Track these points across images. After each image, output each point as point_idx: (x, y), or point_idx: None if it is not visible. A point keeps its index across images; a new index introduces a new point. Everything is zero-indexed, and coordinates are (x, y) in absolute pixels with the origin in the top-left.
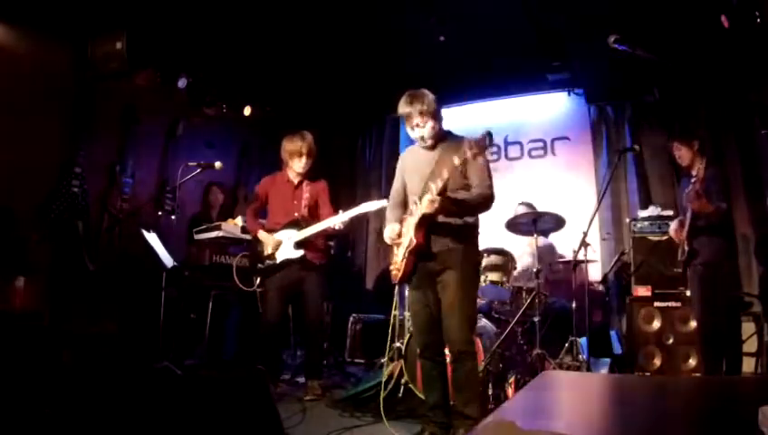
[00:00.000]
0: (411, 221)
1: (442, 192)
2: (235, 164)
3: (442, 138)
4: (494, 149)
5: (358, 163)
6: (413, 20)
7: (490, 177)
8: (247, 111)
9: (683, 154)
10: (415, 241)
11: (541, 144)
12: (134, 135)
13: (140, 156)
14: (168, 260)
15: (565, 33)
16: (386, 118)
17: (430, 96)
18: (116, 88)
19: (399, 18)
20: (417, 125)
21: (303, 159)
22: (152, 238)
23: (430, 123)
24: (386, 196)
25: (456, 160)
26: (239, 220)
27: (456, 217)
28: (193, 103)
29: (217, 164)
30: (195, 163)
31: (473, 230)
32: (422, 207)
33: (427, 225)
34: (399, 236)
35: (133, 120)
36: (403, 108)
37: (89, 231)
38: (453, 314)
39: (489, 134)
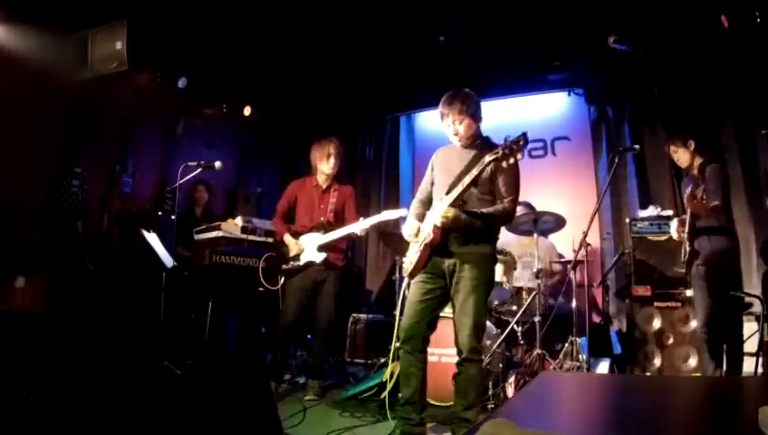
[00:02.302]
0: (431, 216)
1: (455, 204)
2: (234, 164)
3: (479, 140)
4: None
5: (358, 163)
6: (413, 20)
7: (517, 188)
8: (247, 111)
9: (680, 156)
10: (431, 235)
11: (541, 144)
12: (134, 135)
13: (140, 156)
14: (168, 260)
15: (565, 33)
16: (386, 118)
17: (471, 97)
18: (116, 88)
19: (399, 19)
20: (454, 122)
21: (332, 160)
22: (152, 238)
23: (467, 121)
24: (386, 195)
25: (488, 158)
26: (239, 220)
27: (471, 228)
28: (193, 103)
29: (217, 164)
30: (195, 163)
31: (492, 234)
32: (437, 216)
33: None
34: (417, 234)
35: (133, 121)
36: (442, 107)
37: (89, 231)
38: (464, 318)
39: (524, 135)
